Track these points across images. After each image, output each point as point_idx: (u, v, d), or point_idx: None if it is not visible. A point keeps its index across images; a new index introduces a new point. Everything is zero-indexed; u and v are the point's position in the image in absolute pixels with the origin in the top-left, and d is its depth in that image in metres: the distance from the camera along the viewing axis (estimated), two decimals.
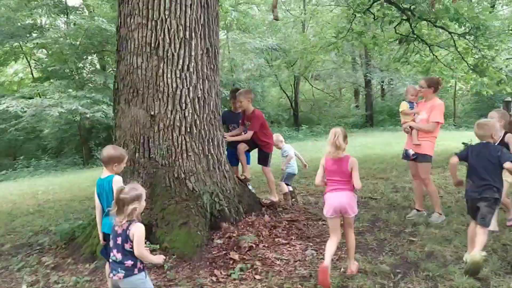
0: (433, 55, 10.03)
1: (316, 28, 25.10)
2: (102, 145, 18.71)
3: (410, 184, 6.30)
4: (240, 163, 5.73)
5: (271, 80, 27.98)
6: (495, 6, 14.38)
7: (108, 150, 3.31)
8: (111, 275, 2.72)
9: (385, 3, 9.01)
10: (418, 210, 5.26)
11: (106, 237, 3.36)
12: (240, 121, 5.85)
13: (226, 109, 6.47)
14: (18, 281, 3.98)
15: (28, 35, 18.81)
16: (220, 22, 22.36)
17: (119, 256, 2.67)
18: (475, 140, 4.16)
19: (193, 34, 4.61)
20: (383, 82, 27.94)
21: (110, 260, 2.76)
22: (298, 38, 22.85)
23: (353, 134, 21.86)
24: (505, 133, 4.42)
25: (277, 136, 6.09)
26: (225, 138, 5.26)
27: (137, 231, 2.63)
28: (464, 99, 29.03)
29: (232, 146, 5.68)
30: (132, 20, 4.54)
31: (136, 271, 2.67)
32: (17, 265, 4.38)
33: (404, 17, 9.19)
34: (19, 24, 18.72)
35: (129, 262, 2.65)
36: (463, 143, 9.90)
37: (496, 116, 4.38)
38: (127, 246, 2.65)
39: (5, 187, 12.53)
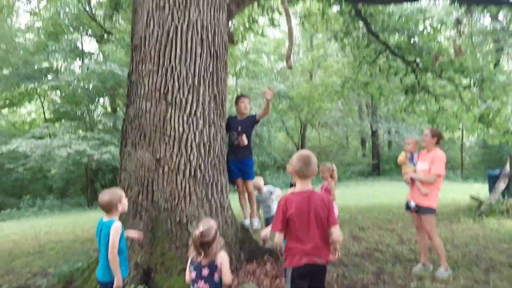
0: (439, 105, 10.14)
1: (323, 77, 25.73)
2: (107, 186, 18.73)
3: (417, 237, 6.19)
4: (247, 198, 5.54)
5: (278, 126, 28.30)
6: (500, 61, 14.71)
7: (103, 197, 3.27)
8: None
9: (390, 55, 9.26)
10: (423, 264, 5.13)
11: (101, 285, 3.31)
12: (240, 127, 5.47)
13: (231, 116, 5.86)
14: None
15: (43, 77, 19.46)
16: (230, 69, 22.96)
17: (206, 287, 2.79)
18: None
19: (201, 81, 4.75)
20: (389, 132, 28.11)
21: None
22: (305, 86, 23.35)
23: (360, 183, 21.74)
24: None
25: (258, 180, 5.95)
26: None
27: (225, 258, 2.83)
28: (471, 151, 28.96)
29: (235, 158, 5.37)
30: (143, 67, 4.70)
31: None
32: None
33: (410, 69, 9.40)
34: (35, 67, 19.40)
35: None
36: (471, 197, 9.76)
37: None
38: (216, 277, 2.80)
39: (8, 227, 12.47)
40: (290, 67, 5.14)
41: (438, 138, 5.03)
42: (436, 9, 15.41)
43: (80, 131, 18.98)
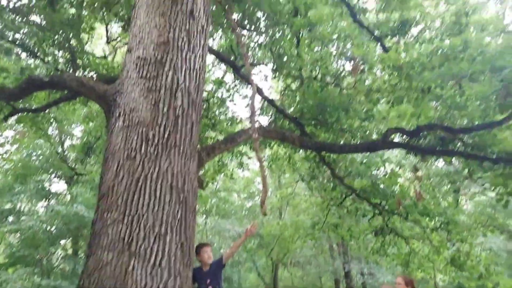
0: (410, 248, 10.15)
1: (292, 214, 25.85)
2: None
3: None
4: None
5: (248, 266, 27.13)
6: (459, 201, 15.43)
7: None
8: None
9: (356, 198, 9.54)
10: None
11: None
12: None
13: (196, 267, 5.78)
14: None
15: (4, 219, 18.68)
16: (200, 208, 22.83)
17: None
18: None
19: (168, 229, 4.63)
20: (362, 273, 27.30)
21: None
22: (275, 226, 23.24)
23: None
24: None
25: None
26: None
27: None
28: None
29: None
30: (108, 216, 4.59)
31: None
32: None
33: (377, 211, 9.61)
34: None
35: None
36: None
37: None
38: None
39: None
40: (265, 214, 5.18)
41: (412, 286, 4.94)
42: (393, 153, 16.56)
43: (35, 277, 17.51)
